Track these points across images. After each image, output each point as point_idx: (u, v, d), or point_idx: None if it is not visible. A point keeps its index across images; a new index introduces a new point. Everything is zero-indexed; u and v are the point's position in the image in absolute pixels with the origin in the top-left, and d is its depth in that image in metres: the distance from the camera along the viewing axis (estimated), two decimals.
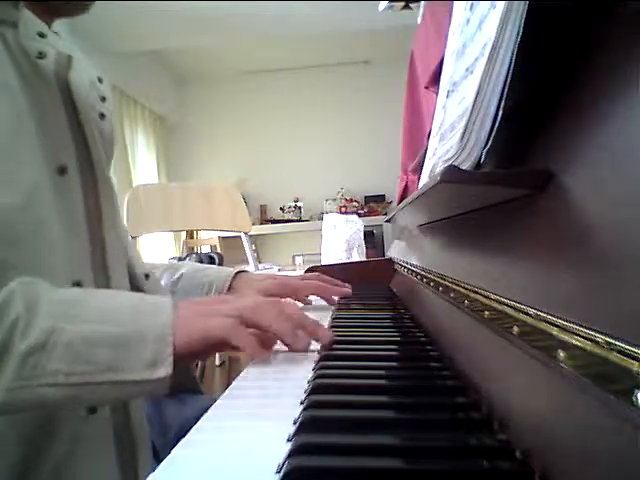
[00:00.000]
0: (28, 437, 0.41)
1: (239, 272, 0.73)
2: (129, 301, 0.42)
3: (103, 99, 0.55)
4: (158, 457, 0.56)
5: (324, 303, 0.75)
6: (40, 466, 0.42)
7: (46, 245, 0.44)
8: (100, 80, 0.56)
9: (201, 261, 1.95)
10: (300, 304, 0.73)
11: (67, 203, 0.47)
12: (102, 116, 0.54)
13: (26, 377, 0.35)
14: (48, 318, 0.36)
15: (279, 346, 0.50)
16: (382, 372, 0.40)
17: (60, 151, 0.48)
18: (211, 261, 2.06)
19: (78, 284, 0.46)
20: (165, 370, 0.37)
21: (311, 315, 0.49)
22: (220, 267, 0.78)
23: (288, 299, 0.72)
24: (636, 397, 0.16)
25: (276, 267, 2.57)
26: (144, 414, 0.53)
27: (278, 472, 0.24)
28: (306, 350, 0.46)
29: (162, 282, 0.72)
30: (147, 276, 0.62)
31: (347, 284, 0.77)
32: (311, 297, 0.75)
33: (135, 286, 0.58)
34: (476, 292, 0.36)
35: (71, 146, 0.49)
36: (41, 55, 0.47)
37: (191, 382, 0.67)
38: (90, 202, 0.51)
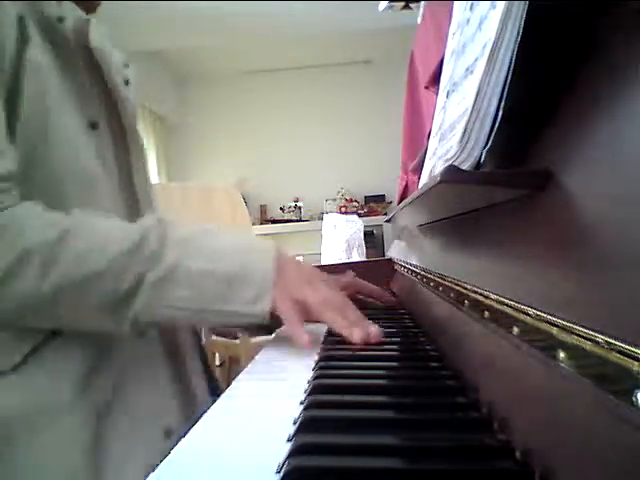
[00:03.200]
0: (89, 353, 0.46)
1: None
2: (238, 242, 0.49)
3: (127, 82, 0.58)
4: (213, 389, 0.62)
5: None
6: (102, 377, 0.46)
7: (94, 192, 0.50)
8: (127, 66, 0.60)
9: None
10: None
11: (100, 155, 0.52)
12: (127, 83, 0.57)
13: (157, 299, 0.43)
14: (173, 254, 0.44)
15: (280, 346, 0.50)
16: (382, 372, 0.40)
17: (90, 108, 0.52)
18: None
19: None
20: (263, 306, 0.45)
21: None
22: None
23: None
24: (636, 397, 0.16)
25: None
26: (194, 340, 0.58)
27: (278, 472, 0.24)
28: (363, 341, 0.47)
29: None
30: None
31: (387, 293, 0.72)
32: None
33: None
34: (476, 292, 0.36)
35: (99, 103, 0.53)
36: (60, 19, 0.50)
37: (212, 384, 0.68)
38: (120, 153, 0.55)
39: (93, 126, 0.52)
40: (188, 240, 0.46)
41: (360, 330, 0.46)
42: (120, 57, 0.59)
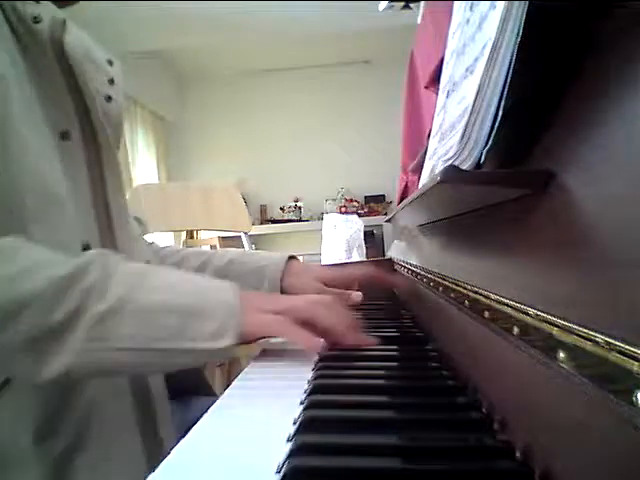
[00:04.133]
0: (52, 396, 0.42)
1: (291, 257, 0.67)
2: (195, 278, 0.44)
3: (111, 81, 0.55)
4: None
5: None
6: (64, 422, 0.42)
7: (57, 208, 0.45)
8: (110, 62, 0.56)
9: None
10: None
11: (71, 167, 0.48)
12: (109, 99, 0.54)
13: (95, 340, 0.36)
14: (122, 286, 0.38)
15: (280, 347, 0.50)
16: (382, 372, 0.40)
17: (62, 116, 0.48)
18: None
19: (87, 246, 0.47)
20: (229, 341, 0.39)
21: None
22: (269, 253, 0.70)
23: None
24: (636, 397, 0.16)
25: None
26: (161, 378, 0.54)
27: (278, 472, 0.24)
28: (358, 344, 0.46)
29: (200, 268, 0.67)
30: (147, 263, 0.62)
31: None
32: None
33: None
34: (476, 292, 0.36)
35: (72, 111, 0.49)
36: (36, 19, 0.47)
37: (203, 385, 0.67)
38: (93, 167, 0.51)
39: (64, 136, 0.48)
40: (139, 273, 0.40)
41: (354, 333, 0.45)
42: (104, 55, 0.55)
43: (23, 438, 0.39)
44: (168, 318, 0.38)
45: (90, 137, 0.51)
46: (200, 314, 0.39)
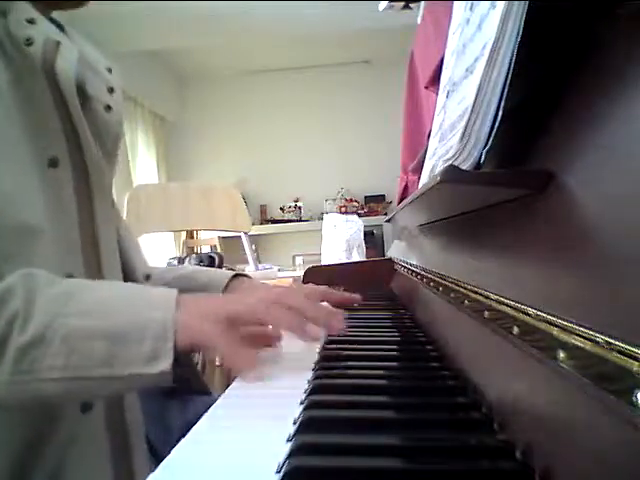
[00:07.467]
0: (24, 438, 0.41)
1: (237, 275, 0.65)
2: (128, 293, 0.41)
3: (111, 90, 0.54)
4: (159, 458, 0.55)
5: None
6: (36, 467, 0.41)
7: (33, 241, 0.43)
8: (110, 70, 0.55)
9: (201, 261, 1.95)
10: None
11: (58, 196, 0.46)
12: (108, 108, 0.52)
13: (23, 372, 0.34)
14: (46, 313, 0.36)
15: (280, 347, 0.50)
16: (382, 372, 0.40)
17: (50, 142, 0.46)
18: (211, 261, 2.06)
19: (70, 277, 0.45)
20: (165, 364, 0.36)
21: None
22: (220, 270, 0.69)
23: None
24: (636, 397, 0.16)
25: (276, 267, 2.56)
26: (139, 414, 0.52)
27: (278, 472, 0.24)
28: (317, 338, 0.43)
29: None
30: (148, 277, 0.62)
31: (356, 294, 0.62)
32: None
33: None
34: (476, 292, 0.36)
35: (61, 136, 0.47)
36: (29, 41, 0.45)
37: (199, 383, 0.67)
38: (82, 195, 0.49)
39: (53, 163, 0.46)
40: (64, 295, 0.37)
41: (315, 325, 0.42)
42: (104, 63, 0.54)
43: None
44: (96, 344, 0.36)
45: (79, 164, 0.49)
46: (130, 338, 0.36)
